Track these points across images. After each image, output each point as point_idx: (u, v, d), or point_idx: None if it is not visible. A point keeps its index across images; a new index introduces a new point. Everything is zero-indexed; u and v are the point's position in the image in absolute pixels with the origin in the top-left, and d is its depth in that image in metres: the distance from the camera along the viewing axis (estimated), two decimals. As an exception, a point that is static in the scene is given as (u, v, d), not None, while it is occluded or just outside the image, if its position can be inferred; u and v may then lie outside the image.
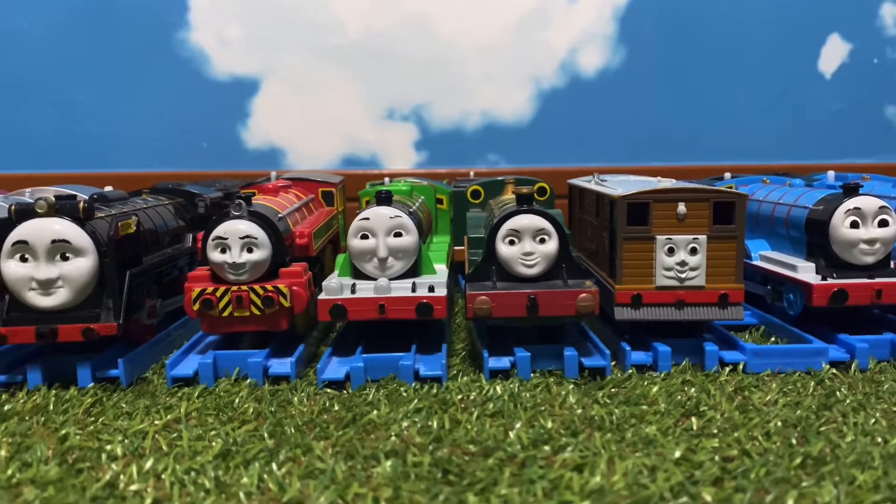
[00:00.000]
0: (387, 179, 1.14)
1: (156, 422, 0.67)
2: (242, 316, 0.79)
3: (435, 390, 0.74)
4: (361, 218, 0.82)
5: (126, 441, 0.62)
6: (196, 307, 0.78)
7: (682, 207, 0.79)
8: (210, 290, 0.78)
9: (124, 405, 0.71)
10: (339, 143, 1.88)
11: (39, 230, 0.73)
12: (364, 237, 0.81)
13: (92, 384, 0.77)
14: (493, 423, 0.65)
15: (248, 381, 0.77)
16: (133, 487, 0.54)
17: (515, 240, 0.80)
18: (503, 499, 0.51)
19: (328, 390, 0.76)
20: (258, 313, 0.79)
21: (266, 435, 0.64)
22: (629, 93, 1.81)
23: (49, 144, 1.79)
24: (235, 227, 0.78)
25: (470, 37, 1.82)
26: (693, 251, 0.79)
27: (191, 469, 0.57)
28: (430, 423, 0.65)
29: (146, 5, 1.77)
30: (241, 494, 0.53)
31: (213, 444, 0.62)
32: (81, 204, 0.75)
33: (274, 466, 0.57)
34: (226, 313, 0.79)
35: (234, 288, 0.78)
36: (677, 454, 0.58)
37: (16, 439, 0.63)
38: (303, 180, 1.09)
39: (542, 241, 0.80)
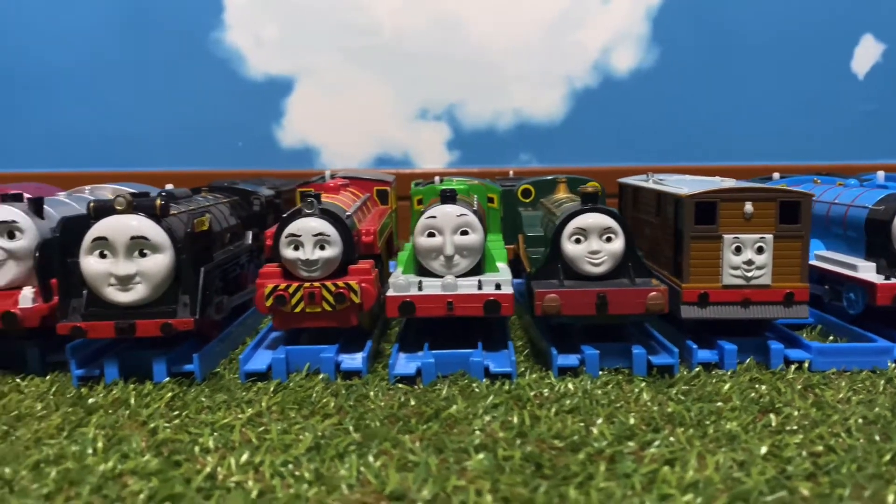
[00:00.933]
0: (437, 178, 1.15)
1: (239, 416, 0.68)
2: (314, 312, 0.80)
3: (507, 387, 0.75)
4: (428, 216, 0.82)
5: (215, 434, 0.63)
6: (269, 303, 0.79)
7: (749, 207, 0.80)
8: (283, 286, 0.79)
9: (204, 399, 0.73)
10: (371, 142, 1.89)
11: (119, 227, 0.75)
12: (431, 235, 0.82)
13: (167, 379, 0.78)
14: (573, 419, 0.66)
15: (321, 376, 0.78)
16: (234, 479, 0.55)
17: (582, 238, 0.81)
18: (604, 492, 0.52)
19: (399, 385, 0.77)
20: (329, 309, 0.80)
21: (351, 428, 0.65)
22: (662, 93, 1.82)
23: (85, 143, 1.81)
24: (309, 225, 0.79)
25: (503, 36, 1.83)
26: (759, 250, 0.80)
27: (287, 461, 0.58)
28: (510, 418, 0.66)
29: (182, 5, 1.79)
30: (344, 486, 0.54)
31: (302, 437, 0.63)
32: (158, 201, 0.77)
33: (370, 458, 0.58)
34: (297, 309, 0.80)
35: (307, 284, 0.79)
36: (764, 450, 0.59)
37: (107, 431, 0.64)
38: (358, 179, 1.09)
39: (609, 239, 0.80)
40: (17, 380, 0.80)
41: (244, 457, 0.58)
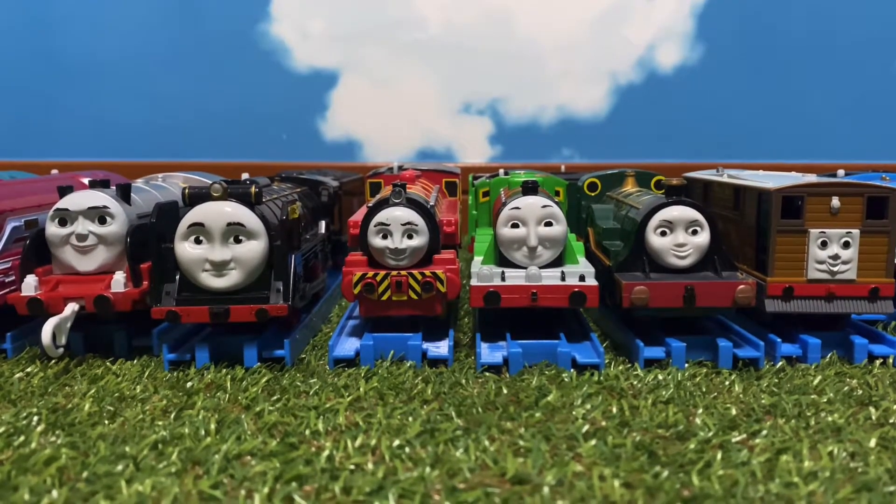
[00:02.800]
0: (501, 171, 1.16)
1: (339, 400, 0.69)
2: (400, 300, 0.81)
3: (595, 377, 0.75)
4: (512, 207, 0.83)
5: (322, 418, 0.64)
6: (357, 290, 0.80)
7: (835, 202, 0.80)
8: (370, 274, 0.80)
9: (299, 384, 0.73)
10: (414, 136, 1.90)
11: (215, 213, 0.76)
12: (514, 226, 0.83)
13: (258, 364, 0.79)
14: (673, 409, 0.66)
15: (408, 363, 0.79)
16: (354, 461, 0.56)
17: (667, 231, 0.81)
18: (726, 479, 0.53)
19: (487, 374, 0.77)
20: (415, 298, 0.81)
21: (454, 414, 0.65)
22: (706, 90, 1.82)
23: (134, 134, 1.83)
24: (398, 214, 0.80)
25: (548, 32, 1.83)
26: (846, 245, 0.80)
27: (403, 445, 0.59)
28: (609, 408, 0.67)
29: (229, -3, 1.80)
30: (465, 470, 0.54)
31: (407, 421, 0.63)
32: (253, 188, 0.77)
33: (486, 443, 0.59)
34: (384, 297, 0.80)
35: (394, 273, 0.80)
36: (873, 442, 0.59)
37: (213, 414, 0.65)
38: (427, 170, 1.10)
39: (695, 232, 0.81)
40: (108, 363, 0.81)
41: (359, 440, 0.59)
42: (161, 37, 1.80)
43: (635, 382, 0.74)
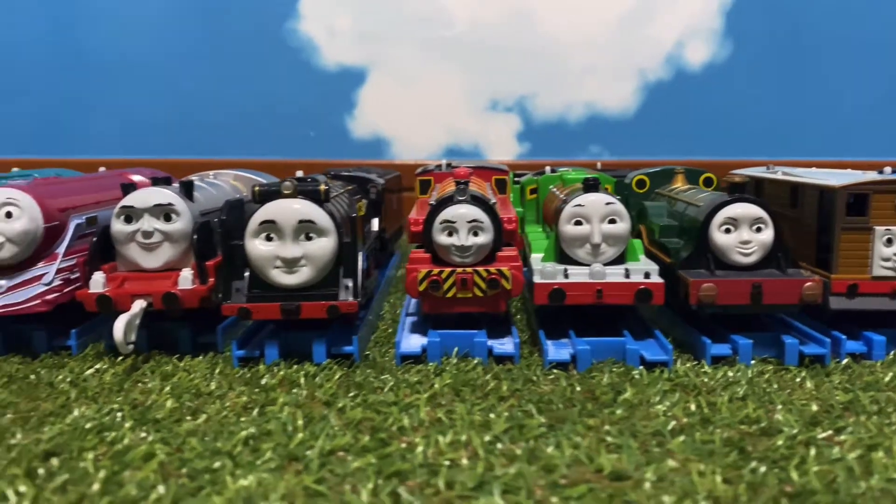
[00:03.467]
0: (548, 168, 1.16)
1: (416, 396, 0.69)
2: (465, 297, 0.81)
3: (665, 374, 0.75)
4: (576, 204, 0.83)
5: (404, 414, 0.65)
6: (422, 287, 0.80)
7: (901, 199, 0.80)
8: (436, 271, 0.80)
9: (373, 380, 0.74)
10: (442, 133, 1.90)
11: (287, 210, 0.76)
12: (578, 223, 0.83)
13: (328, 360, 0.79)
14: (753, 405, 0.66)
15: (476, 360, 0.79)
16: (448, 456, 0.56)
17: (732, 228, 0.81)
18: (824, 475, 0.53)
19: (555, 371, 0.78)
20: (480, 295, 0.81)
21: (534, 411, 0.66)
22: (735, 87, 1.82)
23: (162, 132, 1.83)
24: (464, 211, 0.80)
25: (576, 29, 1.83)
26: (911, 242, 0.80)
27: (493, 441, 0.59)
28: (688, 404, 0.67)
29: (257, -6, 1.80)
30: (563, 466, 0.55)
31: (489, 417, 0.64)
32: (322, 186, 0.78)
33: (578, 439, 0.59)
34: (450, 294, 0.81)
35: (459, 270, 0.80)
36: (960, 438, 0.59)
37: (297, 410, 0.66)
38: (477, 168, 1.10)
39: (759, 229, 0.81)
40: (174, 359, 0.82)
41: (448, 436, 0.60)
42: (190, 35, 1.80)
43: (706, 380, 0.74)
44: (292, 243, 0.76)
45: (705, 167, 1.16)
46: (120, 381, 0.75)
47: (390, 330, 0.94)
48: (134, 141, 1.84)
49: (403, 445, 0.59)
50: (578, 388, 0.72)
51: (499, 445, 0.58)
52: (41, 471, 0.54)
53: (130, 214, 0.81)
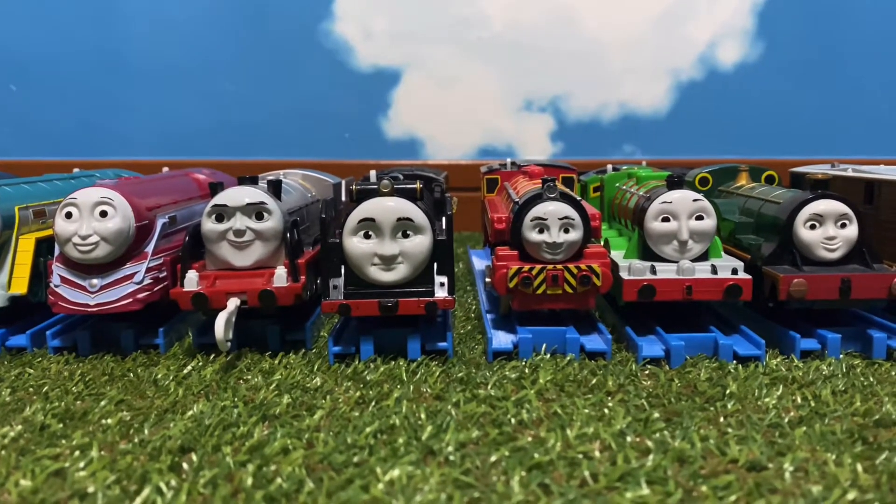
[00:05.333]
0: (609, 167, 1.17)
1: (522, 391, 0.70)
2: (555, 294, 0.82)
3: (760, 368, 0.76)
4: (663, 201, 0.84)
5: (518, 409, 0.65)
6: (512, 284, 0.81)
7: (985, 195, 0.81)
8: (526, 268, 0.81)
9: (474, 376, 0.74)
10: (476, 133, 1.91)
11: (386, 209, 0.77)
12: (665, 220, 0.84)
13: (421, 356, 0.80)
14: (860, 397, 0.67)
15: (569, 356, 0.80)
16: (580, 449, 0.57)
17: (817, 224, 0.82)
18: (960, 464, 0.54)
19: (649, 366, 0.79)
20: (570, 292, 0.82)
21: (645, 405, 0.67)
22: (767, 86, 1.83)
23: (197, 133, 1.84)
24: (555, 208, 0.81)
25: (610, 29, 1.84)
26: None
27: (621, 434, 0.60)
28: (793, 397, 0.68)
29: (293, -4, 1.81)
30: (698, 458, 0.55)
31: (605, 411, 0.65)
32: (418, 185, 0.79)
33: (703, 431, 0.60)
34: (539, 291, 0.81)
35: (550, 267, 0.81)
36: None
37: (412, 405, 0.66)
38: (544, 167, 1.11)
39: (843, 225, 0.82)
40: (266, 356, 0.82)
41: (574, 429, 0.60)
42: (226, 37, 1.81)
43: (800, 374, 0.75)
44: (390, 241, 0.77)
45: (741, 164, 1.18)
46: (222, 378, 0.75)
47: (469, 327, 0.94)
48: (170, 142, 1.84)
49: (529, 439, 0.59)
50: (678, 383, 0.73)
51: (628, 439, 0.59)
52: (185, 465, 0.55)
53: (222, 213, 0.82)
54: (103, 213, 0.81)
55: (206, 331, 0.87)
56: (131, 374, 0.77)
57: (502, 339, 0.84)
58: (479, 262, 1.29)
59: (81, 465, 0.55)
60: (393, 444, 0.58)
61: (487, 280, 0.91)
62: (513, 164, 1.13)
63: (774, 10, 1.81)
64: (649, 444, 0.58)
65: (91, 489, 0.51)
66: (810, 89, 1.83)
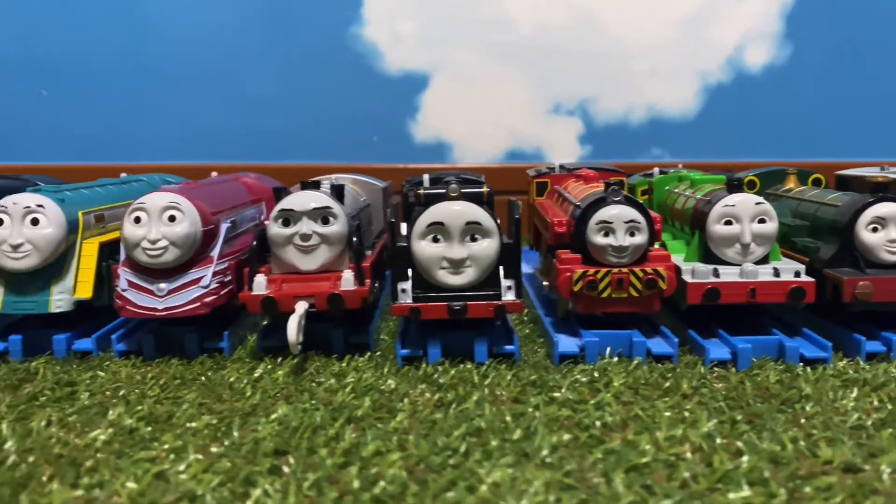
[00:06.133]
0: (656, 170, 1.17)
1: (600, 394, 0.70)
2: (620, 297, 0.82)
3: (829, 371, 0.77)
4: (726, 204, 0.85)
5: (602, 412, 0.66)
6: (577, 287, 0.82)
7: None
8: (591, 271, 0.82)
9: (546, 379, 0.75)
10: (504, 137, 1.92)
11: (455, 213, 0.77)
12: (728, 223, 0.84)
13: (490, 359, 0.80)
14: (936, 399, 0.68)
15: (636, 359, 0.81)
16: (672, 451, 0.58)
17: (879, 227, 0.83)
18: None
19: (717, 369, 0.79)
20: (636, 295, 0.82)
21: (724, 407, 0.67)
22: (795, 89, 1.83)
23: (225, 137, 1.84)
24: (621, 212, 0.82)
25: (638, 32, 1.85)
26: None
27: (708, 435, 0.60)
28: (870, 400, 0.68)
29: (322, 0, 1.81)
30: (793, 459, 0.56)
31: (685, 414, 0.65)
32: (485, 189, 0.79)
33: (791, 433, 0.60)
34: (605, 294, 0.82)
35: (615, 270, 0.82)
36: None
37: (492, 408, 0.67)
38: (595, 170, 1.11)
39: (905, 228, 0.82)
40: (333, 359, 0.83)
41: (662, 432, 0.61)
42: (254, 41, 1.82)
43: (869, 376, 0.76)
44: (459, 244, 0.78)
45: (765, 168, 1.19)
46: (294, 380, 0.76)
47: (527, 330, 0.95)
48: (198, 146, 1.85)
49: (618, 441, 0.60)
50: (749, 385, 0.73)
51: (717, 441, 0.59)
52: (285, 468, 0.55)
53: (289, 217, 0.82)
54: (172, 218, 0.82)
55: (270, 334, 0.88)
56: (202, 378, 0.78)
57: (568, 343, 0.84)
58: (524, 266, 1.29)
59: (181, 467, 0.56)
60: (485, 447, 0.58)
61: (545, 283, 0.92)
62: (561, 167, 1.14)
63: (802, 12, 1.82)
64: (740, 445, 0.58)
65: (199, 491, 0.52)
66: (839, 92, 1.84)
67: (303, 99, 1.85)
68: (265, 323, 0.93)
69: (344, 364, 0.81)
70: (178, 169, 1.40)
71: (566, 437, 0.60)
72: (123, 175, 1.18)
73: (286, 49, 1.82)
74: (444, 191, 0.79)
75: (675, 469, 0.54)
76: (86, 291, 0.86)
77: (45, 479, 0.54)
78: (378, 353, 0.86)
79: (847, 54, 1.81)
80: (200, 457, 0.58)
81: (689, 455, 0.57)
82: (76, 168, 1.62)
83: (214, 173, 1.18)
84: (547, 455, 0.57)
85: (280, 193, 0.85)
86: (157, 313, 0.82)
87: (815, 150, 1.84)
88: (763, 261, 0.86)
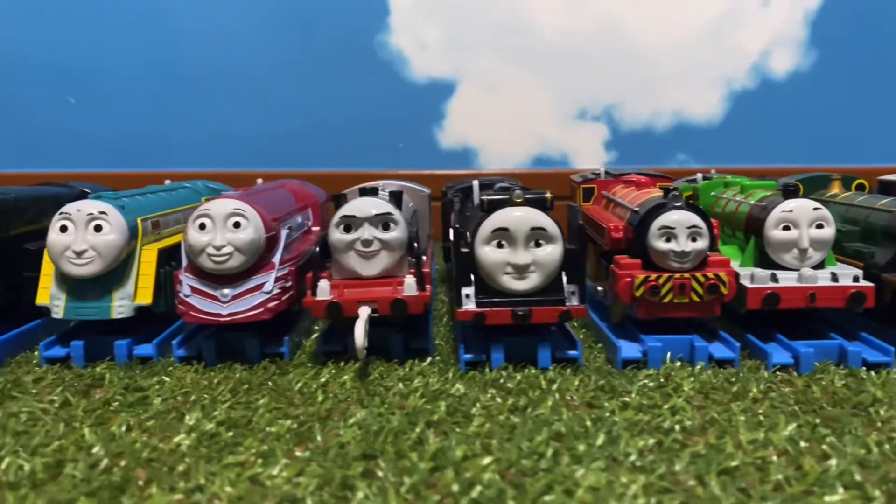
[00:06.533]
0: (699, 176, 1.18)
1: (672, 399, 0.70)
2: (681, 303, 0.83)
3: (892, 375, 0.77)
4: (784, 209, 0.85)
5: (681, 416, 0.66)
6: (638, 293, 0.82)
7: None
8: (653, 277, 0.82)
9: (615, 384, 0.75)
10: (530, 143, 1.92)
11: (520, 219, 0.78)
12: (786, 228, 0.85)
13: (553, 365, 0.81)
14: None
15: (699, 364, 0.81)
16: (758, 455, 0.58)
17: (937, 232, 0.83)
18: None
19: (779, 373, 0.79)
20: (697, 300, 0.83)
21: (798, 411, 0.67)
22: (820, 95, 1.84)
23: (250, 144, 1.85)
24: (682, 218, 0.82)
25: (663, 38, 1.86)
26: None
27: (791, 439, 0.61)
28: (942, 403, 0.69)
29: (349, 8, 1.82)
30: (881, 463, 0.56)
31: (760, 417, 0.65)
32: (549, 195, 0.80)
33: (879, 435, 0.60)
34: (666, 300, 0.82)
35: (676, 276, 0.82)
36: None
37: (568, 412, 0.67)
38: (643, 175, 1.12)
39: (964, 233, 0.83)
40: (395, 364, 0.83)
41: (744, 435, 0.61)
42: (281, 47, 1.83)
43: (930, 380, 0.76)
44: (524, 250, 0.78)
45: (789, 174, 1.19)
46: (362, 385, 0.76)
47: (581, 335, 0.95)
48: (222, 153, 1.85)
49: (701, 445, 0.60)
50: (816, 389, 0.74)
51: (801, 444, 0.60)
52: (378, 472, 0.56)
53: (350, 224, 0.83)
54: (237, 224, 0.82)
55: (330, 338, 0.89)
56: (269, 383, 0.78)
57: (630, 348, 0.84)
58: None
59: (274, 471, 0.56)
60: (572, 451, 0.59)
61: (599, 289, 0.92)
62: (606, 173, 1.14)
63: (827, 18, 1.82)
64: (825, 449, 0.59)
65: (299, 495, 0.52)
66: (864, 98, 1.84)
67: (329, 106, 1.86)
68: (316, 328, 0.93)
69: (407, 369, 0.81)
70: (209, 175, 1.40)
71: (651, 441, 0.60)
72: (168, 182, 1.18)
73: (313, 57, 1.83)
74: (507, 196, 0.79)
75: (766, 472, 0.55)
76: (146, 297, 0.87)
77: (141, 483, 0.55)
78: (437, 357, 0.86)
79: (871, 60, 1.82)
80: (288, 461, 0.58)
81: (775, 458, 0.58)
82: (103, 175, 1.62)
83: (260, 180, 1.19)
84: (636, 459, 0.57)
85: (340, 200, 0.85)
86: (222, 318, 0.82)
87: (840, 155, 1.85)
88: (819, 266, 0.86)
